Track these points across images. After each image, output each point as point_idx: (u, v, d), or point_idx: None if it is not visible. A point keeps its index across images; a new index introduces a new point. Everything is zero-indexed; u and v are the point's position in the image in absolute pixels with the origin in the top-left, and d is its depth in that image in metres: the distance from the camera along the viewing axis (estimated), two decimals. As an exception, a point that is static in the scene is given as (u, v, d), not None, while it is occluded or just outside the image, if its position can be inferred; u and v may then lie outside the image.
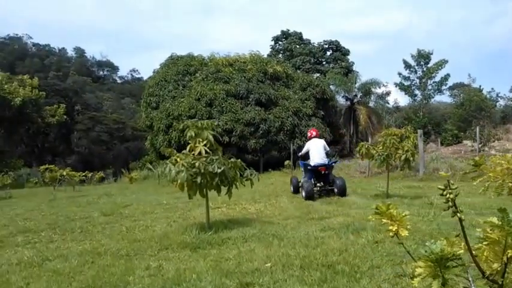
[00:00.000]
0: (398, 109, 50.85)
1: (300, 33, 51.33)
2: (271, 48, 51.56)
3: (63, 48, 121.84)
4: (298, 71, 37.25)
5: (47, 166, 19.08)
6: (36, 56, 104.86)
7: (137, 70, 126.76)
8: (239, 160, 7.66)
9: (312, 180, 12.16)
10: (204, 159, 7.17)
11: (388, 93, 43.03)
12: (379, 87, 39.23)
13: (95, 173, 29.56)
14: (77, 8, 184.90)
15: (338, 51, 49.26)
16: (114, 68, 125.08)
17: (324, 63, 49.44)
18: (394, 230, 2.12)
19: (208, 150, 7.32)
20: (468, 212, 7.67)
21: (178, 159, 7.28)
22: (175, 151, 22.74)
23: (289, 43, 49.83)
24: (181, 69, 30.15)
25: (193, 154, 7.30)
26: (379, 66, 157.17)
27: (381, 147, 10.88)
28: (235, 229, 7.27)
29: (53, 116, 38.09)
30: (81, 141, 54.48)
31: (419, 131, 17.94)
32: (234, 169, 7.47)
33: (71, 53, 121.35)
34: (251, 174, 7.73)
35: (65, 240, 7.83)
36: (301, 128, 28.34)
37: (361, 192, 12.69)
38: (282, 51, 50.33)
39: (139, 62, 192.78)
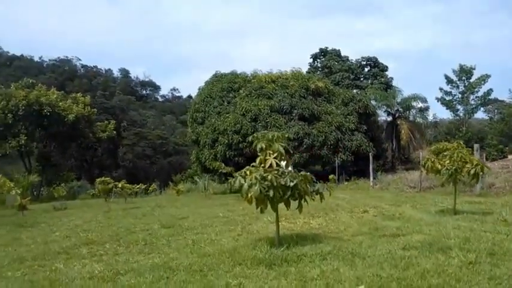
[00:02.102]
0: (437, 124, 49.92)
1: (338, 50, 51.85)
2: (310, 65, 52.02)
3: (110, 69, 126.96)
4: (338, 87, 37.05)
5: (103, 179, 19.41)
6: (85, 77, 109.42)
7: (177, 89, 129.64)
8: (309, 173, 7.43)
9: None
10: (276, 172, 6.98)
11: (427, 108, 42.31)
12: (421, 102, 38.58)
13: (148, 185, 30.15)
14: (121, 31, 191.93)
15: (376, 67, 49.61)
16: (156, 88, 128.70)
17: (363, 79, 49.75)
18: None
19: (279, 162, 7.13)
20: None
21: (248, 172, 7.11)
22: (223, 165, 23.22)
23: (327, 60, 50.35)
24: (226, 86, 30.53)
25: (264, 167, 7.12)
26: (411, 82, 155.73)
27: (448, 161, 10.42)
28: (308, 245, 6.99)
29: (104, 132, 39.23)
30: (126, 155, 55.90)
31: (476, 146, 17.33)
32: (305, 182, 7.25)
33: (116, 73, 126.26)
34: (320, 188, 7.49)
35: (131, 253, 7.75)
36: (344, 143, 28.13)
37: (421, 208, 12.25)
38: (320, 69, 50.64)
39: (179, 81, 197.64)
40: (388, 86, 45.96)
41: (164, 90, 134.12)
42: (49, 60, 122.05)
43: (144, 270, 6.18)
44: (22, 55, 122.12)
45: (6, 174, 20.56)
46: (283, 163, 18.74)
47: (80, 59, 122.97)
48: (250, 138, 7.92)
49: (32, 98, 33.19)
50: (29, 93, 33.79)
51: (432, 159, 10.86)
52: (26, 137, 32.94)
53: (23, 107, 32.65)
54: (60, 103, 34.64)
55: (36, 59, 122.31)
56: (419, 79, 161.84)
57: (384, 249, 6.55)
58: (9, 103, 32.82)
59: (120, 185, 20.41)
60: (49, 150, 36.68)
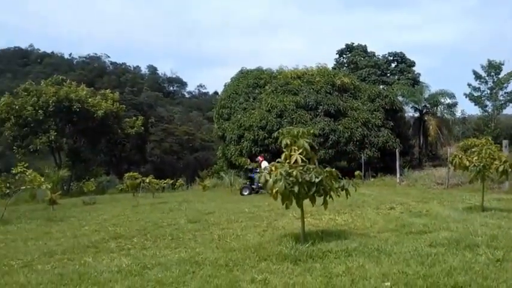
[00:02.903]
0: (465, 120, 48.91)
1: (365, 46, 51.32)
2: (336, 61, 51.69)
3: (138, 66, 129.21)
4: (364, 83, 36.64)
5: (131, 174, 19.72)
6: (114, 74, 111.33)
7: (204, 85, 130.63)
8: (334, 170, 7.40)
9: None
10: (301, 168, 6.97)
11: (455, 104, 41.47)
12: (449, 98, 37.83)
13: (175, 180, 30.55)
14: (150, 28, 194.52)
15: (403, 63, 48.98)
16: (182, 84, 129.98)
17: (389, 75, 49.16)
18: None
19: (304, 158, 7.12)
20: None
21: (273, 168, 7.13)
22: (248, 160, 23.32)
23: (353, 56, 49.88)
24: (252, 83, 30.54)
25: (289, 163, 7.12)
26: (439, 78, 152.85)
27: (476, 158, 10.22)
28: (333, 241, 6.97)
29: (132, 128, 39.74)
30: (154, 151, 56.62)
31: (505, 141, 16.96)
32: (330, 178, 7.22)
33: (144, 70, 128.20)
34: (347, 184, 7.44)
35: (158, 247, 7.87)
36: (370, 139, 27.83)
37: (448, 205, 12.09)
38: (346, 64, 50.28)
39: (206, 77, 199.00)
40: (415, 81, 45.42)
41: (191, 87, 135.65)
42: (79, 57, 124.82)
43: (170, 264, 6.27)
44: (53, 52, 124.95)
45: (37, 169, 21.03)
46: (265, 164, 19.67)
47: (109, 56, 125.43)
48: (275, 134, 7.94)
49: (62, 94, 33.82)
50: (59, 89, 34.44)
51: (460, 156, 10.66)
52: (56, 133, 33.56)
53: (53, 104, 33.28)
54: (90, 99, 35.25)
55: (66, 56, 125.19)
56: (447, 74, 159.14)
57: (410, 246, 6.49)
58: (39, 99, 33.50)
59: (147, 180, 20.73)
60: (79, 146, 37.38)
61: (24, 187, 16.81)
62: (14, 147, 35.34)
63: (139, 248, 7.98)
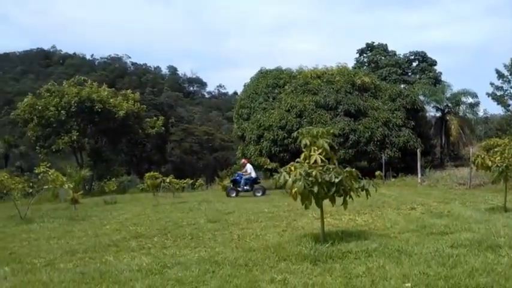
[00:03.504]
0: (487, 120, 48.04)
1: (385, 44, 50.84)
2: (356, 60, 51.30)
3: (158, 66, 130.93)
4: (385, 82, 36.27)
5: (152, 173, 19.91)
6: (134, 74, 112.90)
7: (223, 85, 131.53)
8: (355, 170, 7.34)
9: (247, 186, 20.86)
10: (321, 168, 6.94)
11: (477, 104, 40.78)
12: (471, 98, 37.22)
13: (195, 180, 30.76)
14: (170, 29, 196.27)
15: (424, 62, 48.44)
16: (202, 84, 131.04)
17: (410, 74, 48.73)
18: None
19: (323, 159, 7.08)
20: None
21: (293, 168, 7.11)
22: (268, 160, 23.31)
23: (374, 55, 49.56)
24: (271, 82, 30.50)
25: (308, 163, 7.09)
26: (461, 77, 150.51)
27: (498, 158, 10.05)
28: (353, 242, 6.93)
29: (152, 128, 40.04)
30: (174, 151, 57.12)
31: (530, 142, 16.55)
32: (350, 179, 7.17)
33: (164, 71, 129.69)
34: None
35: (178, 247, 7.92)
36: (391, 139, 27.52)
37: (470, 206, 11.91)
38: (367, 64, 49.90)
39: (225, 77, 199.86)
40: (437, 80, 44.89)
41: (211, 87, 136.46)
42: (100, 58, 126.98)
43: (190, 263, 6.31)
44: (74, 53, 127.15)
45: (59, 169, 21.33)
46: (248, 166, 21.67)
47: (129, 57, 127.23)
48: (295, 134, 7.91)
49: (84, 95, 34.23)
50: (81, 90, 34.86)
51: (482, 156, 10.50)
52: (78, 133, 34.01)
53: (75, 104, 33.71)
54: (111, 100, 35.61)
55: (88, 57, 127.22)
56: (469, 74, 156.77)
57: (432, 247, 6.42)
58: (62, 100, 33.96)
59: (168, 180, 20.88)
60: (100, 146, 37.81)
61: (46, 186, 17.04)
62: (37, 148, 35.92)
63: (160, 247, 8.04)
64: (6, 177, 15.53)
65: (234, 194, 20.51)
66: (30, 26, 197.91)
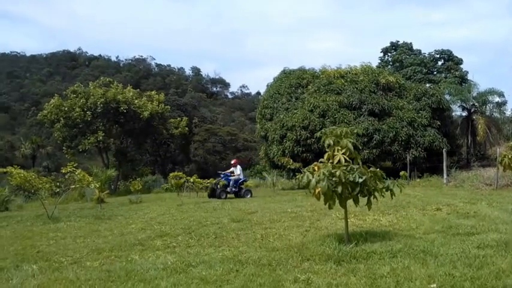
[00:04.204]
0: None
1: (410, 43, 50.20)
2: (380, 60, 50.80)
3: (182, 67, 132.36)
4: (409, 82, 35.78)
5: (176, 173, 20.10)
6: (159, 75, 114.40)
7: (246, 86, 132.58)
8: (379, 170, 7.28)
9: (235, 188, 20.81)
10: (344, 168, 6.90)
11: (504, 103, 39.87)
12: (498, 97, 36.43)
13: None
14: (193, 31, 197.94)
15: (450, 61, 47.63)
16: (225, 85, 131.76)
17: (436, 73, 47.93)
18: None
19: (347, 158, 7.04)
20: None
21: (316, 168, 7.09)
22: (291, 160, 23.26)
23: (398, 54, 48.95)
24: (294, 82, 30.45)
25: (332, 163, 7.06)
26: (488, 76, 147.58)
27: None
28: (377, 242, 6.88)
29: (176, 128, 40.36)
30: (197, 151, 57.55)
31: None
32: (374, 179, 7.11)
33: (188, 72, 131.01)
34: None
35: (202, 246, 7.99)
36: (416, 139, 27.18)
37: (497, 206, 11.67)
38: (391, 63, 49.39)
39: (248, 78, 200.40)
40: (463, 79, 44.15)
41: (234, 87, 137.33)
42: (125, 59, 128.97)
43: (214, 262, 6.36)
44: (100, 55, 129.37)
45: (86, 169, 21.67)
46: (236, 170, 21.29)
47: (154, 58, 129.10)
48: (318, 134, 7.87)
49: (109, 96, 34.69)
50: (106, 91, 35.33)
51: (510, 156, 10.31)
52: (103, 134, 34.44)
53: (101, 105, 34.17)
54: (136, 101, 35.99)
55: (113, 59, 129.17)
56: (496, 72, 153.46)
57: (458, 247, 6.35)
58: (88, 101, 34.48)
59: (192, 180, 21.03)
60: (125, 146, 38.27)
61: (73, 186, 17.36)
62: (64, 148, 36.57)
63: (184, 246, 8.12)
64: (34, 177, 15.82)
65: (224, 196, 19.97)
66: (56, 29, 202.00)
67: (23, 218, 14.71)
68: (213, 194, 20.45)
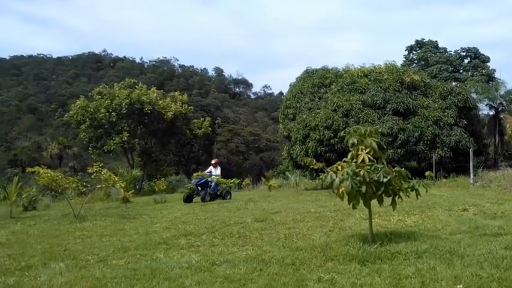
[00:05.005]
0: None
1: (436, 41, 49.61)
2: (405, 58, 50.26)
3: (205, 68, 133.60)
4: (435, 80, 35.23)
5: (199, 173, 20.26)
6: (182, 76, 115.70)
7: (269, 86, 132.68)
8: (404, 169, 7.20)
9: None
10: (368, 167, 6.84)
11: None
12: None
13: (241, 180, 31.13)
14: (216, 31, 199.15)
15: (477, 59, 47.02)
16: (248, 85, 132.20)
17: (462, 71, 47.39)
18: None
19: (371, 158, 6.98)
20: None
21: (340, 167, 7.05)
22: (314, 160, 23.14)
23: (424, 52, 48.41)
24: (317, 82, 30.26)
25: (356, 162, 7.01)
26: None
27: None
28: (402, 243, 6.80)
29: (200, 128, 40.60)
30: (220, 151, 57.98)
31: None
32: (399, 178, 7.04)
33: (211, 72, 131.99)
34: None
35: (226, 245, 8.03)
36: (442, 138, 26.73)
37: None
38: (416, 61, 48.80)
39: (271, 78, 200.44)
40: (490, 77, 43.56)
41: (256, 88, 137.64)
42: (149, 61, 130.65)
43: (238, 261, 6.39)
44: (125, 57, 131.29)
45: (111, 169, 21.94)
46: (217, 171, 20.10)
47: (177, 60, 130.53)
48: (341, 133, 7.85)
49: (134, 97, 35.10)
50: (131, 92, 35.76)
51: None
52: (128, 134, 34.85)
53: (126, 106, 34.60)
54: (160, 101, 36.34)
55: (137, 60, 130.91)
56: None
57: (485, 248, 6.24)
58: (113, 102, 34.94)
59: (215, 180, 21.09)
60: (150, 146, 38.66)
61: (99, 186, 17.61)
62: (89, 148, 37.20)
63: (208, 245, 8.17)
64: (60, 176, 16.10)
65: (209, 199, 18.58)
66: (82, 31, 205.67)
67: (50, 217, 15.00)
68: (188, 198, 18.99)
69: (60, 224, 13.12)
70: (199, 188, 19.41)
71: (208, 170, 21.05)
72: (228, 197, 19.85)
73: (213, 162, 21.43)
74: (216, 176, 20.12)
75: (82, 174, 38.12)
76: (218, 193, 19.67)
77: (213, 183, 19.65)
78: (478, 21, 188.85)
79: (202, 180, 19.60)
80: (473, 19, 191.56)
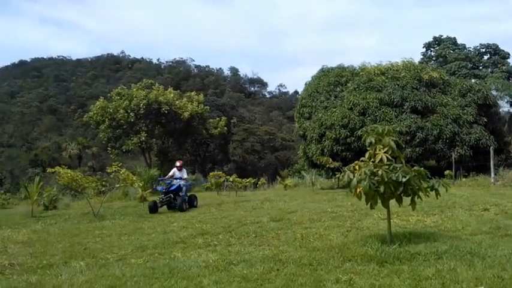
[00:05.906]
0: None
1: (454, 38, 48.88)
2: (423, 55, 49.74)
3: (220, 68, 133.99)
4: (454, 77, 34.73)
5: (215, 173, 20.35)
6: (198, 76, 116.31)
7: (284, 85, 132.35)
8: (423, 169, 7.10)
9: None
10: (387, 167, 6.77)
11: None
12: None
13: (257, 179, 31.16)
14: (231, 31, 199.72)
15: (497, 55, 46.24)
16: (263, 84, 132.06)
17: (481, 68, 46.63)
18: None
19: (390, 157, 6.90)
20: None
21: (357, 167, 6.99)
22: (330, 159, 23.01)
23: (442, 49, 47.78)
24: (333, 80, 30.01)
25: (373, 161, 6.93)
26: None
27: None
28: (422, 243, 6.70)
29: (215, 128, 40.84)
30: (236, 150, 58.15)
31: None
32: (418, 178, 6.94)
33: (226, 72, 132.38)
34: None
35: (242, 244, 8.05)
36: (462, 136, 26.27)
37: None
38: (434, 58, 48.18)
39: (286, 77, 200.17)
40: (510, 74, 42.80)
41: (271, 87, 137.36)
42: (166, 62, 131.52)
43: (255, 261, 6.38)
44: (142, 58, 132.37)
45: (129, 168, 22.19)
46: (183, 173, 17.74)
47: (193, 60, 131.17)
48: (358, 132, 7.84)
49: (151, 97, 35.46)
50: (148, 93, 36.15)
51: None
52: (146, 134, 35.25)
53: (144, 106, 34.98)
54: (177, 102, 36.70)
55: (154, 61, 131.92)
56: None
57: (507, 249, 6.11)
58: (131, 103, 35.36)
59: (231, 179, 21.20)
60: (167, 146, 39.03)
61: (118, 185, 17.76)
62: (108, 148, 37.71)
63: (225, 244, 8.21)
64: (80, 176, 16.32)
65: (187, 206, 16.46)
66: (101, 34, 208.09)
67: (70, 216, 15.21)
68: (154, 208, 15.70)
69: (80, 222, 13.32)
70: (172, 196, 16.48)
71: (171, 173, 17.85)
72: (195, 202, 17.42)
73: (177, 164, 18.04)
74: (185, 179, 17.56)
75: (101, 173, 38.53)
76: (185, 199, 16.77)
77: (184, 188, 17.02)
78: (497, 17, 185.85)
79: (174, 186, 16.64)
80: (492, 15, 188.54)
